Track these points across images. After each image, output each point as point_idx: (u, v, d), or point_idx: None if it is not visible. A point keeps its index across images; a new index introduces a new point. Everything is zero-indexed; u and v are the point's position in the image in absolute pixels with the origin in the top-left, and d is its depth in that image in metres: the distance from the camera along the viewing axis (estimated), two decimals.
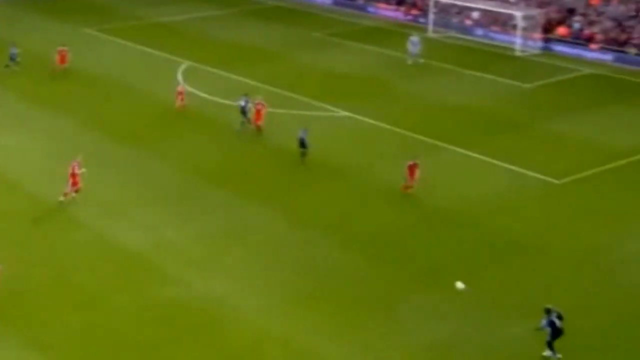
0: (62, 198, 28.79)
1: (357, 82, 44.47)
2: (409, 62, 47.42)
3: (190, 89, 40.90)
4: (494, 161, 33.28)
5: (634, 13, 50.12)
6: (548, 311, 20.83)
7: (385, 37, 53.97)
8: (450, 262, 25.85)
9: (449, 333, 22.19)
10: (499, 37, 52.39)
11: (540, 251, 26.44)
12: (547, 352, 21.00)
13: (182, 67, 46.13)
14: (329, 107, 39.77)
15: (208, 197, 30.13)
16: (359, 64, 47.77)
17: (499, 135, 36.35)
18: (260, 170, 32.61)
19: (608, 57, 48.21)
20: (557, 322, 20.64)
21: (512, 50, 50.01)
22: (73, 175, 28.73)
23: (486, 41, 52.26)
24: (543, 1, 54.06)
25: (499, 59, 48.82)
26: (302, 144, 32.95)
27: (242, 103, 36.21)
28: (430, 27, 54.47)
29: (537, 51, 50.15)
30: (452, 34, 53.84)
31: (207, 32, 55.09)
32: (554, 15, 52.58)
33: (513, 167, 32.65)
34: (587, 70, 46.58)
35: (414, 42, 47.80)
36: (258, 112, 35.75)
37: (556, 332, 20.68)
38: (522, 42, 50.03)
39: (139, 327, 22.33)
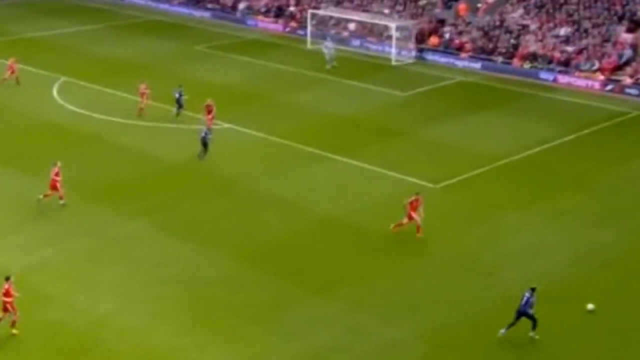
0: (40, 196, 29.21)
1: (239, 94, 44.25)
2: (328, 67, 48.40)
3: (67, 105, 39.55)
4: (376, 168, 33.79)
5: (498, 23, 52.17)
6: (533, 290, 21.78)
7: (265, 49, 54.00)
8: (337, 268, 26.00)
9: (334, 339, 22.25)
10: (375, 48, 53.40)
11: (425, 253, 26.97)
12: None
13: (58, 83, 44.58)
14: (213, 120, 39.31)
15: (89, 214, 29.18)
16: (241, 76, 47.56)
17: (378, 143, 36.95)
18: (143, 185, 31.87)
19: (477, 65, 49.95)
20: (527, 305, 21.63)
21: (388, 60, 51.06)
22: (53, 180, 29.19)
23: (363, 51, 53.13)
24: (415, 12, 55.51)
25: (376, 69, 49.72)
26: (204, 143, 33.93)
27: (177, 95, 38.74)
28: (309, 39, 54.91)
29: (411, 60, 51.40)
30: (321, 48, 54.38)
31: (83, 47, 53.53)
32: (426, 25, 54.06)
33: (393, 174, 33.23)
34: (458, 78, 48.09)
35: (327, 47, 48.96)
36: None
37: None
38: (397, 52, 51.16)
39: (22, 352, 21.26)
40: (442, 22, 54.35)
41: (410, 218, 27.51)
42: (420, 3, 56.29)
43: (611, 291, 24.53)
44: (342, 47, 51.43)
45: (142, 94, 39.49)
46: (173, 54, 52.32)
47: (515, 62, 49.03)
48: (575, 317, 23.25)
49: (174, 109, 39.15)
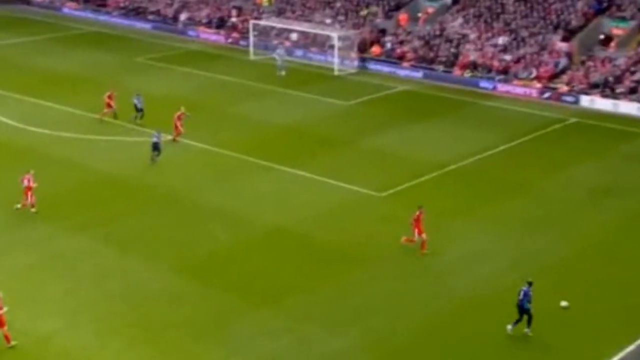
0: (18, 205, 29.55)
1: (182, 105, 43.85)
2: (278, 74, 49.29)
3: (2, 119, 38.71)
4: (320, 178, 33.87)
5: (438, 32, 52.93)
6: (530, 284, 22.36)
7: (208, 60, 53.74)
8: (283, 279, 25.94)
9: (280, 351, 22.17)
10: (318, 58, 53.62)
11: (371, 262, 27.10)
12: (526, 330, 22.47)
13: None
14: (155, 132, 38.92)
15: (29, 229, 28.58)
16: (183, 88, 47.23)
17: (323, 153, 37.07)
18: (84, 199, 31.35)
19: (418, 74, 50.55)
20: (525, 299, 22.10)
21: (331, 69, 51.31)
22: (28, 188, 29.42)
23: (306, 62, 53.28)
24: (357, 22, 55.96)
25: (319, 79, 49.92)
26: (156, 147, 34.54)
27: (136, 101, 39.87)
28: (252, 49, 54.85)
29: (354, 70, 51.76)
30: (273, 56, 54.46)
31: (21, 60, 52.53)
32: (368, 35, 54.54)
33: (338, 183, 33.36)
34: (400, 87, 48.60)
35: (279, 54, 49.75)
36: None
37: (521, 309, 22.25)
38: (339, 62, 51.46)
39: None
40: (383, 32, 54.91)
41: (421, 233, 27.33)
42: (362, 13, 56.79)
43: (549, 296, 25.00)
44: (285, 58, 51.52)
45: (108, 104, 40.06)
46: (113, 66, 51.67)
47: (456, 70, 49.79)
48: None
49: (134, 115, 40.06)
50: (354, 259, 27.31)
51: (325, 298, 24.83)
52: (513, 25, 51.28)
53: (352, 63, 52.18)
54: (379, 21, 55.92)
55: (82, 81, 47.71)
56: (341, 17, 56.88)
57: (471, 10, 53.79)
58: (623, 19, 49.14)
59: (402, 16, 55.46)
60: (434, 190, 33.10)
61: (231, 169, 34.87)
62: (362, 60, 52.64)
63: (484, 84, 48.26)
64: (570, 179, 34.41)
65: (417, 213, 27.62)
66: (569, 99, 45.51)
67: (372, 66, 52.26)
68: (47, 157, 35.54)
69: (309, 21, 56.70)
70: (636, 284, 25.44)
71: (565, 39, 49.07)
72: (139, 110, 40.06)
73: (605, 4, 50.43)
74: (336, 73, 51.01)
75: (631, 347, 22.30)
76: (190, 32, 60.93)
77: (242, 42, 57.28)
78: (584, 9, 50.49)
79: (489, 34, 51.38)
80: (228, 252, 27.61)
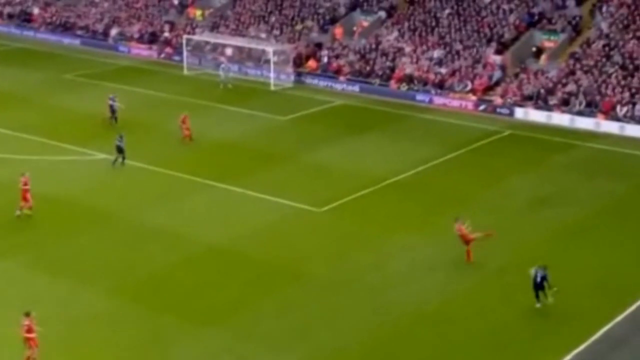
0: (18, 212, 30.26)
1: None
2: (227, 87, 49.84)
3: None
4: (259, 195, 33.79)
5: (374, 46, 53.57)
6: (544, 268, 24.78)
7: (140, 76, 53.18)
8: (222, 298, 25.74)
9: None
10: (254, 72, 53.62)
11: (311, 278, 27.11)
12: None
13: None
14: (87, 150, 38.32)
15: None
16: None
17: (261, 169, 37.00)
18: (10, 221, 30.56)
19: (355, 87, 51.01)
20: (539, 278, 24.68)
21: (267, 84, 51.37)
22: (24, 190, 30.49)
23: (241, 77, 53.22)
24: (292, 37, 56.20)
25: (255, 94, 49.91)
26: (119, 149, 35.82)
27: (110, 102, 41.74)
28: (185, 65, 54.52)
29: (290, 84, 51.93)
30: (207, 70, 54.25)
31: None
32: (304, 49, 54.82)
33: (276, 199, 33.34)
34: (338, 101, 48.95)
35: (224, 69, 50.34)
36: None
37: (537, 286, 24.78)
38: (275, 77, 51.57)
39: None
40: (319, 46, 55.26)
41: (470, 241, 27.70)
42: (297, 28, 57.07)
43: (493, 307, 25.43)
44: (229, 72, 51.31)
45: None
46: (41, 83, 50.68)
47: (392, 84, 50.42)
48: (458, 335, 23.89)
49: (109, 116, 41.81)
50: (294, 275, 27.29)
51: (266, 315, 24.73)
52: (447, 39, 52.25)
53: (288, 78, 52.36)
54: (315, 35, 56.30)
55: (8, 99, 46.58)
56: (276, 32, 57.06)
57: (406, 24, 54.61)
58: (554, 31, 50.58)
59: (338, 30, 55.94)
60: (373, 203, 33.36)
61: (168, 188, 34.51)
62: (299, 74, 52.87)
63: (420, 97, 48.98)
64: (508, 189, 35.13)
65: (458, 224, 27.81)
66: (504, 111, 46.54)
67: (309, 80, 52.53)
68: None
69: (244, 36, 56.72)
70: (573, 290, 26.05)
71: (498, 52, 50.22)
72: (113, 110, 41.94)
73: (536, 17, 51.84)
74: (272, 88, 51.09)
75: None
76: (122, 48, 60.22)
77: (175, 57, 56.90)
78: (516, 21, 51.80)
79: (424, 47, 52.24)
80: (166, 273, 27.26)
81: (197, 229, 30.41)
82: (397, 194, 34.41)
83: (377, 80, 50.94)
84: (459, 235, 27.92)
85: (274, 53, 51.82)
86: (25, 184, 30.60)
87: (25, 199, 30.59)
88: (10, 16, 67.79)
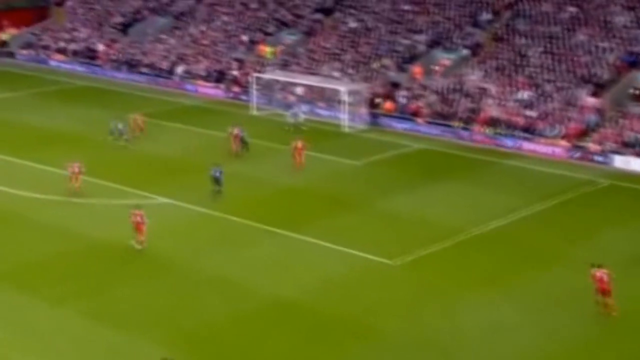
0: (132, 242, 32.84)
1: (176, 164, 44.41)
2: (286, 128, 51.10)
3: None
4: (328, 244, 33.99)
5: (456, 86, 53.66)
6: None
7: (205, 116, 54.50)
8: (283, 354, 25.89)
9: None
10: (326, 113, 54.30)
11: (381, 335, 27.03)
12: None
13: None
14: (148, 194, 39.37)
15: (5, 302, 28.70)
16: (178, 146, 47.80)
17: (330, 216, 37.29)
18: (68, 267, 31.55)
19: (435, 131, 51.10)
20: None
21: (340, 126, 51.93)
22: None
23: (313, 117, 53.92)
24: (367, 76, 56.83)
25: (327, 136, 50.48)
26: (217, 181, 38.42)
27: (239, 132, 46.12)
28: (254, 104, 55.63)
29: (364, 127, 52.36)
30: (277, 110, 55.19)
31: (5, 116, 53.35)
32: (380, 89, 55.32)
33: (348, 250, 33.47)
34: (415, 145, 49.08)
35: (294, 114, 51.63)
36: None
37: None
38: (349, 118, 52.09)
39: None
40: (396, 86, 55.70)
41: (608, 294, 27.95)
42: (373, 66, 57.71)
43: None
44: (300, 118, 51.97)
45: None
46: (105, 122, 52.33)
47: (476, 127, 50.32)
48: None
49: (238, 147, 45.82)
50: (362, 333, 27.24)
51: None
52: (538, 79, 52.01)
53: (363, 119, 52.83)
54: (392, 74, 56.80)
55: (72, 139, 48.36)
56: (351, 70, 57.81)
57: (491, 63, 54.63)
58: None
59: (417, 69, 56.34)
60: (450, 257, 33.17)
61: (229, 234, 35.08)
62: (374, 116, 53.28)
63: (506, 142, 48.74)
64: (602, 247, 34.32)
65: (598, 275, 27.88)
66: (600, 159, 45.85)
67: (384, 122, 52.90)
68: (29, 220, 35.84)
69: (316, 74, 57.61)
70: None
71: (594, 94, 49.69)
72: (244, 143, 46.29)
73: (637, 57, 51.16)
74: (345, 130, 51.60)
75: None
76: (188, 86, 61.97)
77: (243, 97, 58.17)
78: (615, 61, 51.24)
79: (512, 88, 52.10)
80: (226, 324, 27.59)
81: (258, 279, 30.72)
82: (476, 248, 34.14)
83: (459, 123, 50.90)
84: (598, 285, 27.83)
85: (348, 93, 52.40)
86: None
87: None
88: (75, 53, 70.66)
